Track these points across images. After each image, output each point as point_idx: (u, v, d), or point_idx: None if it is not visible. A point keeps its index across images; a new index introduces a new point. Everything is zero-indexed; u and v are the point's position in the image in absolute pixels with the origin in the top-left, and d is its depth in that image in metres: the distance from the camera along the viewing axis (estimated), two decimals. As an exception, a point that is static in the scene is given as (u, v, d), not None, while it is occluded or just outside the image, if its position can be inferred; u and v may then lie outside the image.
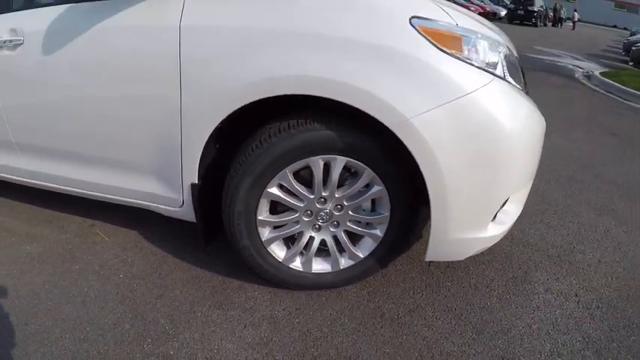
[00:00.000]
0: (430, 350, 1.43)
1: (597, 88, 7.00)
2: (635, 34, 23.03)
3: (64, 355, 1.40)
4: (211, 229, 1.68)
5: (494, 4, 30.02)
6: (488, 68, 1.34)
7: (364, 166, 1.39)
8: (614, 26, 45.02)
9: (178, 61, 1.41)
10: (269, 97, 1.32)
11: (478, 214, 1.39)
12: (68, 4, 1.72)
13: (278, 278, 1.60)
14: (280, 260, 1.56)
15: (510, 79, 1.45)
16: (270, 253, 1.54)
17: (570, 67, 9.30)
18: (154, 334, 1.48)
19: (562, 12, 29.66)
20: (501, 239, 2.09)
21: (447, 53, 1.27)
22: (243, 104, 1.33)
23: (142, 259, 1.93)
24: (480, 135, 1.28)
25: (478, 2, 27.93)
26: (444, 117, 1.25)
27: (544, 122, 1.68)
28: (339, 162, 1.38)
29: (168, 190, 1.62)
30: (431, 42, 1.27)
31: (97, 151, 1.78)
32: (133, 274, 1.83)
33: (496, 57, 1.38)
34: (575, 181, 2.96)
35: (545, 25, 27.81)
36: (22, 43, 1.85)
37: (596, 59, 11.36)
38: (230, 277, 1.73)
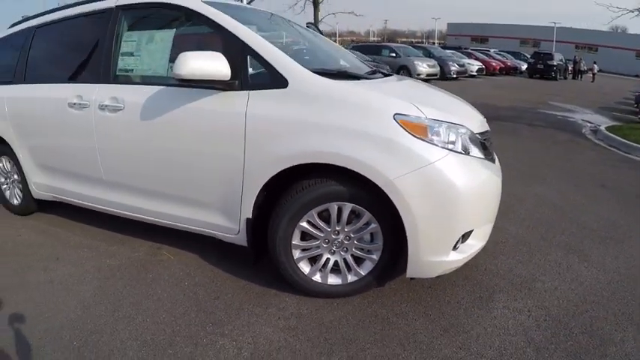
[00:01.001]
0: (407, 339, 2.01)
1: (601, 142, 7.46)
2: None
3: (146, 332, 2.07)
4: (257, 251, 2.34)
5: (515, 59, 30.78)
6: (447, 146, 2.00)
7: (364, 210, 2.05)
8: (637, 75, 44.83)
9: (244, 135, 2.16)
10: (302, 164, 2.02)
11: (440, 244, 2.01)
12: (162, 86, 2.53)
13: (304, 287, 2.23)
14: (306, 274, 2.20)
15: (473, 151, 2.09)
16: (300, 269, 2.19)
17: (579, 122, 9.79)
18: (213, 320, 2.13)
19: (582, 64, 30.05)
20: (476, 269, 2.66)
21: (417, 137, 1.95)
22: (285, 167, 2.03)
23: (201, 273, 2.60)
24: (439, 190, 1.93)
25: (500, 57, 28.82)
26: (415, 179, 1.91)
27: (499, 181, 2.31)
28: (348, 207, 2.05)
29: (229, 222, 2.31)
30: (406, 130, 1.95)
31: (175, 190, 2.53)
32: (195, 282, 2.50)
33: (454, 137, 2.04)
34: (552, 227, 3.49)
35: (565, 78, 28.16)
36: (122, 109, 2.64)
37: (608, 112, 11.79)
38: (269, 287, 2.38)
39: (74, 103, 2.92)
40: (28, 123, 3.47)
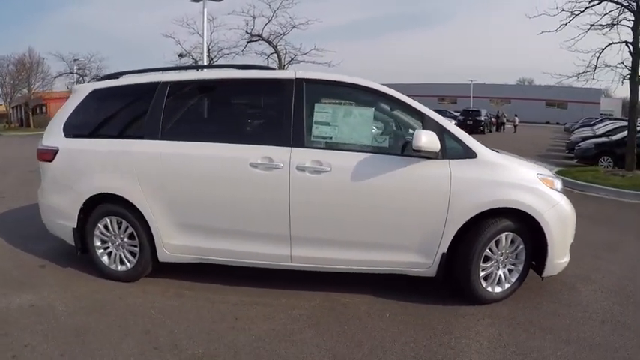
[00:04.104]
0: (555, 312, 3.66)
1: (560, 185, 9.85)
2: (569, 129, 27.75)
3: (410, 351, 3.26)
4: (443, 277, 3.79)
5: (443, 116, 34.85)
6: (561, 191, 3.82)
7: (518, 236, 3.68)
8: (547, 122, 51.88)
9: (449, 191, 3.44)
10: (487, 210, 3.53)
11: (562, 251, 3.76)
12: (368, 153, 3.46)
13: (482, 297, 3.73)
14: (484, 286, 3.75)
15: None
16: (482, 283, 3.73)
17: (534, 169, 12.37)
18: (440, 331, 3.35)
19: (504, 118, 34.99)
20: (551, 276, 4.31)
21: (549, 187, 3.72)
22: (477, 213, 3.52)
23: (389, 307, 3.69)
24: (563, 218, 3.70)
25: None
26: (552, 212, 3.63)
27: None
28: (510, 235, 3.67)
29: (424, 258, 3.62)
30: (544, 183, 3.72)
31: (377, 239, 3.50)
32: (393, 313, 3.59)
33: (560, 185, 3.89)
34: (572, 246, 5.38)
35: (490, 131, 32.35)
36: (328, 171, 3.39)
37: (546, 160, 14.76)
38: (451, 305, 3.75)
39: (259, 164, 3.45)
40: (172, 181, 3.66)
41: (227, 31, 38.04)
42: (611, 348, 3.13)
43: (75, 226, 3.93)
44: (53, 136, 4.16)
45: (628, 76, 10.40)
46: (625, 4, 10.16)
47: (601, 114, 43.86)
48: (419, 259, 3.61)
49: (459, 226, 3.52)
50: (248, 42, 21.58)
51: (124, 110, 4.10)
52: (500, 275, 3.79)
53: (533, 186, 3.66)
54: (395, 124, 3.95)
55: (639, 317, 3.59)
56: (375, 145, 3.64)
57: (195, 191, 3.63)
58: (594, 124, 25.66)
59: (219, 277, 4.01)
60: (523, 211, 3.57)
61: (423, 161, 3.48)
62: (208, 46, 22.67)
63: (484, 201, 3.51)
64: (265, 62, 21.16)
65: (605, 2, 10.33)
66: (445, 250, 3.56)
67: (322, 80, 3.79)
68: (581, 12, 10.56)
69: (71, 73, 33.12)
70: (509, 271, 3.82)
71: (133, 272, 3.91)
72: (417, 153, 3.40)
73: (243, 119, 3.93)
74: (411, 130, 3.77)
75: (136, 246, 3.87)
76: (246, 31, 20.44)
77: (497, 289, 3.79)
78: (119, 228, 3.90)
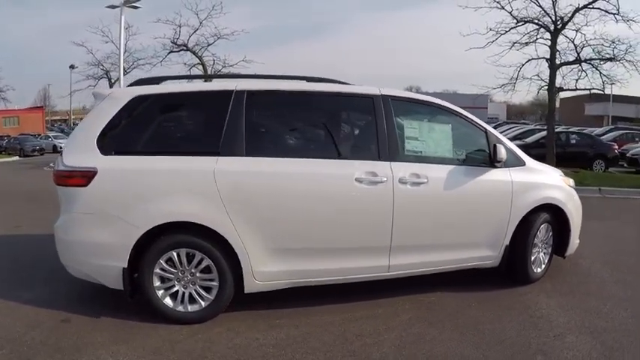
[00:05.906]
0: (582, 282, 5.00)
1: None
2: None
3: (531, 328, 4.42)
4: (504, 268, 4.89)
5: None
6: (573, 187, 5.20)
7: (549, 225, 4.91)
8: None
9: (511, 192, 4.36)
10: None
11: (577, 233, 5.11)
12: (453, 165, 4.14)
13: (532, 278, 4.83)
14: (532, 269, 4.86)
15: None
16: (532, 266, 4.83)
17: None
18: (519, 308, 4.40)
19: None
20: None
21: (567, 184, 5.07)
22: (530, 209, 4.60)
23: (469, 298, 4.56)
24: (577, 207, 5.05)
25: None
26: (571, 203, 4.95)
27: None
28: (546, 225, 4.86)
29: (492, 252, 4.56)
30: (563, 181, 5.06)
31: (462, 239, 4.24)
32: (477, 301, 4.48)
33: (572, 183, 5.27)
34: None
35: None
36: (426, 183, 3.91)
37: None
38: (511, 287, 4.73)
39: (364, 178, 3.67)
40: (268, 202, 3.49)
41: (144, 40, 36.49)
42: (635, 299, 4.47)
43: (125, 266, 3.37)
44: (83, 153, 3.50)
45: (545, 87, 12.86)
46: (542, 24, 12.66)
47: (489, 118, 49.73)
48: (490, 252, 4.48)
49: (517, 222, 4.49)
50: (170, 52, 21.34)
51: (187, 122, 3.87)
52: (540, 258, 4.95)
53: (560, 185, 4.98)
54: (461, 137, 4.74)
55: (636, 278, 5.07)
56: (455, 157, 4.35)
57: (295, 211, 3.53)
58: (495, 128, 29.33)
59: (294, 300, 3.95)
60: (555, 205, 4.80)
61: (493, 170, 4.34)
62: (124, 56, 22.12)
63: (534, 199, 4.61)
64: (188, 73, 21.11)
65: (528, 24, 12.79)
66: (508, 243, 4.49)
67: (404, 98, 4.34)
68: (507, 31, 12.97)
69: None
70: (545, 254, 5.01)
71: (209, 311, 3.54)
72: (498, 163, 4.26)
73: (335, 133, 4.09)
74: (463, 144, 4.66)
75: (212, 280, 3.54)
76: (172, 41, 20.27)
77: (539, 270, 4.94)
78: (189, 262, 3.50)
